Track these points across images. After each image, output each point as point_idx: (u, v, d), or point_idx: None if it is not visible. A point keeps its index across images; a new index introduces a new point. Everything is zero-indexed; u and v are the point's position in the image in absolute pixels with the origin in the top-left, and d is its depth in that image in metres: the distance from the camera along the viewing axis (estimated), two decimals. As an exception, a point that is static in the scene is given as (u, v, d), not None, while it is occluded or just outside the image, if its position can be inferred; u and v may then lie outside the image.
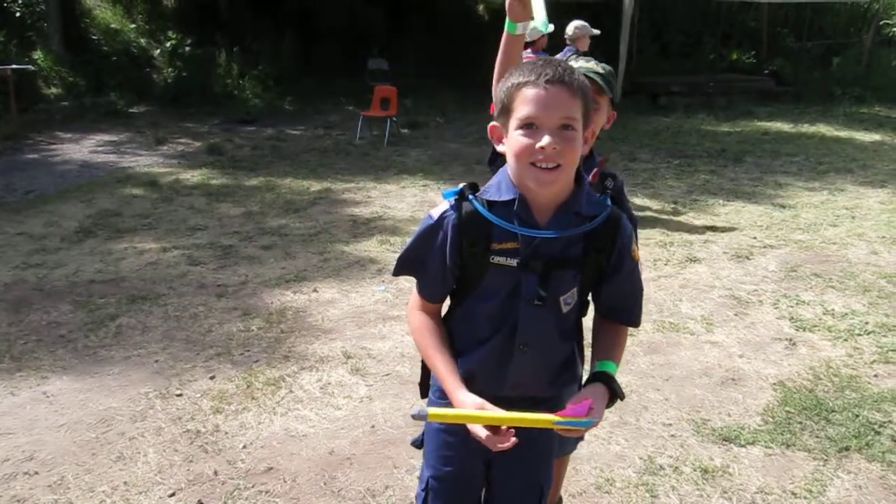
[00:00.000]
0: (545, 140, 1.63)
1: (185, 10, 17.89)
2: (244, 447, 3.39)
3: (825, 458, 3.30)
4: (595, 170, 2.37)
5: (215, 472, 3.20)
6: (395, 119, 12.40)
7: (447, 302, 1.97)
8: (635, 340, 4.52)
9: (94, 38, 16.38)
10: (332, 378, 4.05)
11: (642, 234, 6.68)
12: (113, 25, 17.01)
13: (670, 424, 3.60)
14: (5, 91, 12.42)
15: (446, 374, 1.82)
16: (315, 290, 5.33)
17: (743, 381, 4.03)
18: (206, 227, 7.00)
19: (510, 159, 1.74)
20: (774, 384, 3.99)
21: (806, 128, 13.42)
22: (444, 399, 1.87)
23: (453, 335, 1.91)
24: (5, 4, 15.38)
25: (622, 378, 3.94)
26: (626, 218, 1.84)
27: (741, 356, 4.35)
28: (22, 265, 5.86)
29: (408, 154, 11.19)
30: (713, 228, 7.01)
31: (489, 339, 1.84)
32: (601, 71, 2.38)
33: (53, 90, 14.75)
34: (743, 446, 3.40)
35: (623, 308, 1.91)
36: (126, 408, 3.74)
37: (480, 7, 20.87)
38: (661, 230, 6.91)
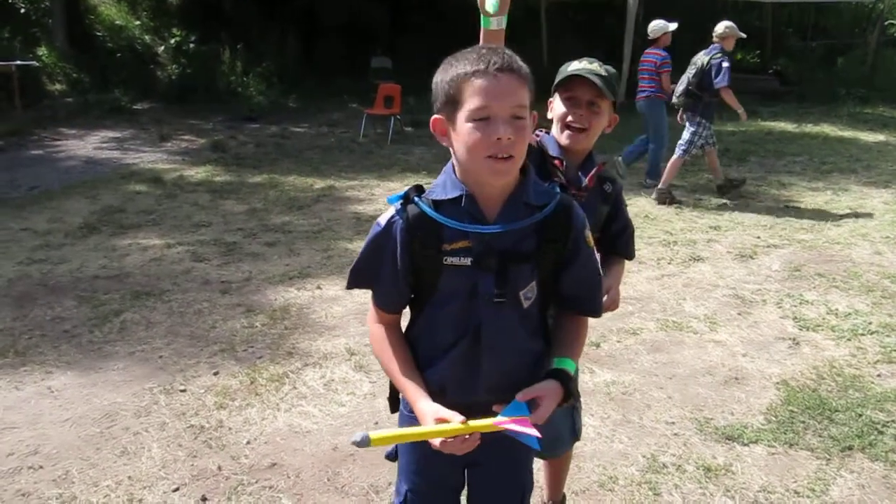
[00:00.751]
0: (501, 131, 1.57)
1: (189, 7, 17.93)
2: (248, 443, 3.40)
3: (828, 457, 3.30)
4: (592, 173, 2.33)
5: (219, 468, 3.20)
6: (398, 117, 12.41)
7: (407, 314, 1.90)
8: (638, 339, 4.53)
9: (98, 34, 16.41)
10: (335, 374, 4.05)
11: (645, 233, 6.68)
12: (117, 22, 17.03)
13: (673, 423, 3.60)
14: (10, 87, 12.47)
15: (406, 384, 1.75)
16: (319, 287, 5.34)
17: (746, 381, 4.03)
18: (210, 224, 7.02)
19: (461, 153, 1.65)
20: (778, 383, 3.99)
21: (810, 128, 13.41)
22: (413, 413, 1.81)
23: (416, 347, 1.83)
24: (10, 1, 15.40)
25: (625, 377, 3.99)
26: (578, 205, 1.79)
27: (744, 355, 4.34)
28: (26, 261, 5.87)
29: (411, 152, 11.19)
30: (717, 227, 7.00)
31: (455, 344, 1.76)
32: (603, 73, 2.28)
33: (58, 86, 14.78)
34: (746, 445, 3.40)
35: (584, 297, 1.85)
36: (130, 403, 3.75)
37: (484, 5, 20.84)
38: (665, 229, 6.91)
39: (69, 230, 6.71)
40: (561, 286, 1.81)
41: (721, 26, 7.94)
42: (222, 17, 17.30)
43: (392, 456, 2.00)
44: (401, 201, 1.74)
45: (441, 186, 1.73)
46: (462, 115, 1.62)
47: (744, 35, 8.15)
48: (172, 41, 16.48)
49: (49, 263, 5.81)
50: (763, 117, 14.62)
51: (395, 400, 1.95)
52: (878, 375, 4.09)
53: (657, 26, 8.54)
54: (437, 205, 1.70)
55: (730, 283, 5.49)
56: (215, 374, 4.06)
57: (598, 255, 1.85)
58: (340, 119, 14.22)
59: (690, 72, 7.90)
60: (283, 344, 4.44)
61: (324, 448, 3.35)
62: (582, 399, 3.72)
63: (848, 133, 12.87)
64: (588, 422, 3.56)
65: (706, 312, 4.96)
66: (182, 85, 15.40)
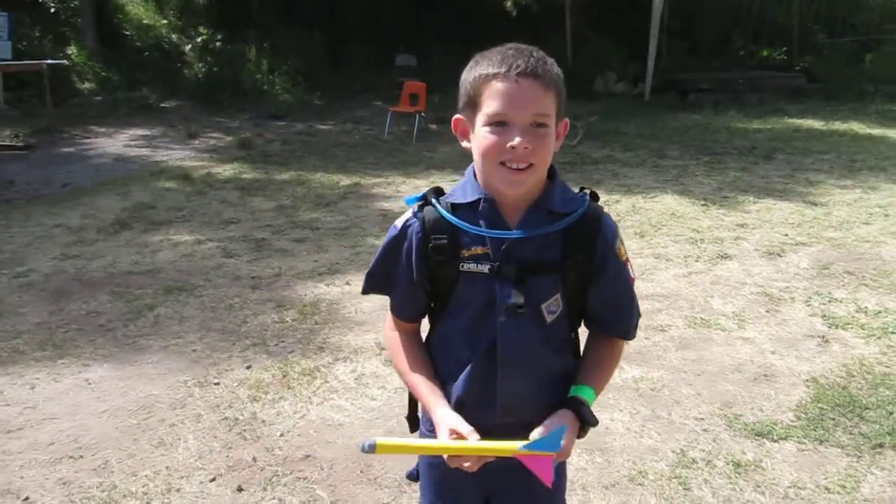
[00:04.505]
0: (516, 140, 1.49)
1: (215, 6, 18.08)
2: (281, 435, 3.45)
3: (859, 454, 3.30)
4: None
5: (254, 459, 3.26)
6: (423, 114, 12.45)
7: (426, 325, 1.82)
8: (667, 336, 4.54)
9: (126, 33, 16.64)
10: (366, 369, 4.11)
11: (672, 231, 6.68)
12: (145, 21, 17.27)
13: (702, 419, 3.61)
14: (41, 86, 12.65)
15: (427, 393, 1.66)
16: (348, 283, 5.39)
17: (775, 378, 4.03)
18: (239, 221, 7.11)
19: (476, 157, 1.59)
20: (807, 381, 3.98)
21: (838, 125, 13.28)
22: (434, 432, 1.67)
23: (435, 361, 1.73)
24: (40, 0, 15.63)
25: (654, 373, 4.00)
26: (608, 216, 1.68)
27: (773, 353, 4.34)
28: (61, 256, 5.99)
29: (437, 149, 11.23)
30: (744, 225, 6.97)
31: (469, 359, 1.66)
32: None
33: (87, 85, 15.01)
34: (776, 441, 3.40)
35: (612, 317, 1.72)
36: (166, 395, 3.82)
37: (508, 3, 20.87)
38: (692, 227, 6.89)
39: (102, 226, 6.83)
40: (589, 305, 1.70)
41: None
42: (248, 15, 17.45)
43: (413, 476, 1.90)
44: (418, 203, 1.67)
45: (461, 189, 1.66)
46: (480, 119, 1.55)
47: None
48: (199, 40, 16.65)
49: (83, 259, 5.92)
50: (790, 115, 14.52)
51: (414, 419, 1.86)
52: (909, 373, 4.07)
53: None
54: (455, 208, 1.62)
55: (758, 281, 5.48)
56: (248, 367, 4.12)
57: (632, 273, 1.73)
58: (365, 117, 14.30)
59: None
60: (313, 339, 4.50)
61: (356, 440, 3.39)
62: (611, 394, 3.76)
63: (877, 131, 12.73)
64: (617, 417, 3.59)
65: (734, 310, 4.96)
66: (209, 83, 15.56)
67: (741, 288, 5.35)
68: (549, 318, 1.64)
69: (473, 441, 1.53)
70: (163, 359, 4.24)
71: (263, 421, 3.58)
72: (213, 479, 3.12)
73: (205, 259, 5.94)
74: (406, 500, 2.99)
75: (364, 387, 3.91)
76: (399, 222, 1.69)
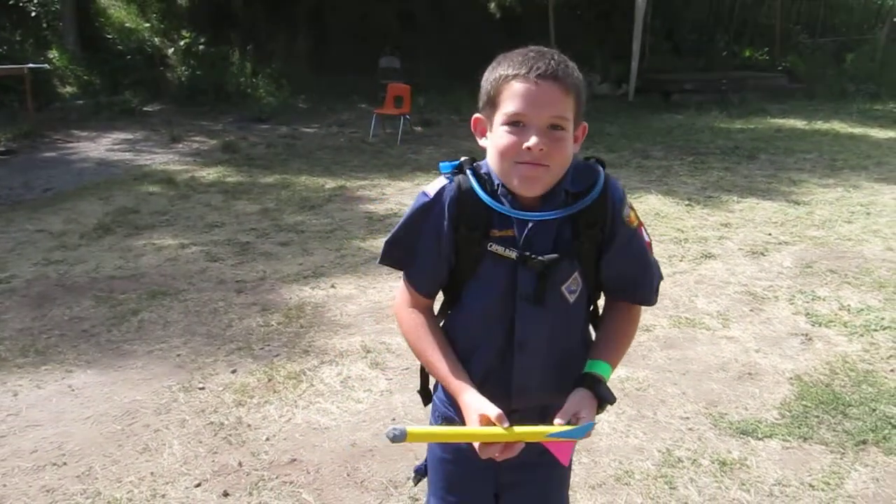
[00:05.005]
0: (532, 140, 1.50)
1: (198, 9, 18.00)
2: (267, 439, 3.44)
3: (842, 451, 3.32)
4: None
5: (240, 464, 3.25)
6: (408, 117, 12.44)
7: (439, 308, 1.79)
8: (651, 335, 4.55)
9: (108, 37, 16.52)
10: (352, 372, 4.10)
11: (656, 231, 6.71)
12: (127, 24, 17.16)
13: (688, 418, 3.63)
14: (22, 90, 12.54)
15: (448, 374, 1.62)
16: (333, 286, 5.38)
17: (759, 376, 4.06)
18: (224, 224, 7.07)
19: (493, 155, 1.60)
20: (791, 379, 4.01)
21: (820, 125, 13.38)
22: (449, 407, 1.70)
23: (452, 341, 1.71)
24: (21, 3, 15.51)
25: (639, 373, 4.01)
26: (615, 180, 1.67)
27: (757, 351, 4.37)
28: (43, 261, 5.94)
29: (422, 151, 11.24)
30: (727, 225, 7.01)
31: (488, 340, 1.66)
32: None
33: (69, 89, 14.90)
34: (760, 439, 3.42)
35: (629, 284, 1.71)
36: (150, 400, 3.80)
37: (492, 4, 20.89)
38: (676, 227, 6.92)
39: (84, 231, 6.78)
40: (603, 275, 1.69)
41: None
42: (231, 18, 17.38)
43: (421, 471, 1.89)
44: (454, 170, 1.66)
45: (486, 167, 1.66)
46: (498, 118, 1.56)
47: None
48: (182, 43, 16.56)
49: (66, 264, 5.88)
50: (773, 114, 14.61)
51: (426, 393, 1.86)
52: (892, 371, 4.10)
53: None
54: (483, 184, 1.62)
55: (742, 280, 5.51)
56: (233, 372, 4.10)
57: (647, 237, 1.71)
58: (350, 119, 14.28)
59: None
60: (299, 342, 4.48)
61: (342, 444, 3.39)
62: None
63: (858, 130, 12.84)
64: (603, 417, 3.58)
65: (718, 309, 4.99)
66: (192, 87, 15.48)
67: (725, 287, 5.38)
68: (571, 299, 1.65)
69: (504, 426, 1.50)
70: (147, 364, 4.21)
71: (249, 425, 3.56)
72: (198, 485, 3.10)
73: (189, 263, 5.91)
74: (393, 503, 2.99)
75: (350, 390, 3.90)
76: (431, 190, 1.66)
